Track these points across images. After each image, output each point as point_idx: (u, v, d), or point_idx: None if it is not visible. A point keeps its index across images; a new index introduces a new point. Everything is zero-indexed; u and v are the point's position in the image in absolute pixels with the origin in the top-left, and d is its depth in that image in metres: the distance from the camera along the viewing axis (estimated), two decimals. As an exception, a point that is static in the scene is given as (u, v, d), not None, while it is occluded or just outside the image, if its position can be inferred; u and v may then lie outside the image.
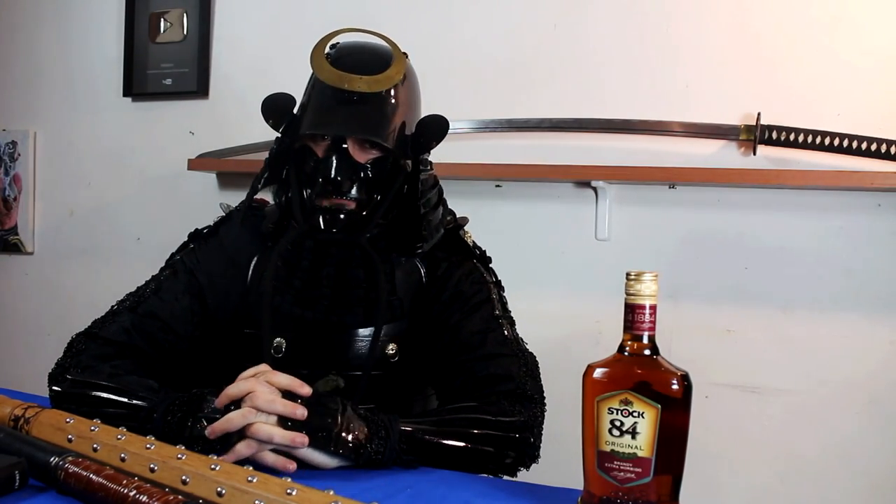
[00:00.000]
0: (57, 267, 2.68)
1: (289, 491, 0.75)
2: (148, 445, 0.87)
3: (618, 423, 0.81)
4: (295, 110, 1.26)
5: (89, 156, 2.63)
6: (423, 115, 1.29)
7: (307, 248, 1.22)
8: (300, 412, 0.95)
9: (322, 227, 1.20)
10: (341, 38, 1.28)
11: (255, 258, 1.29)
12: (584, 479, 0.85)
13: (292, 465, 0.95)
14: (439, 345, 1.24)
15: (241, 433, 0.95)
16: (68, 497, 0.83)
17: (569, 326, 1.99)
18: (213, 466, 0.81)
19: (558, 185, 2.02)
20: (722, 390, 1.86)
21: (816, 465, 1.80)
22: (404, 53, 1.28)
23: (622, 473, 0.81)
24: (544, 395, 1.20)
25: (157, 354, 1.23)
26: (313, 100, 1.23)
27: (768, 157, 1.83)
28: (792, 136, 1.77)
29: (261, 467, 0.84)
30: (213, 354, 1.29)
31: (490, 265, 1.36)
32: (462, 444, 1.05)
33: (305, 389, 0.98)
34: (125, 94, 2.54)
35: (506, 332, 1.24)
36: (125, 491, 0.77)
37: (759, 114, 1.80)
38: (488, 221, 2.08)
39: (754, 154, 1.82)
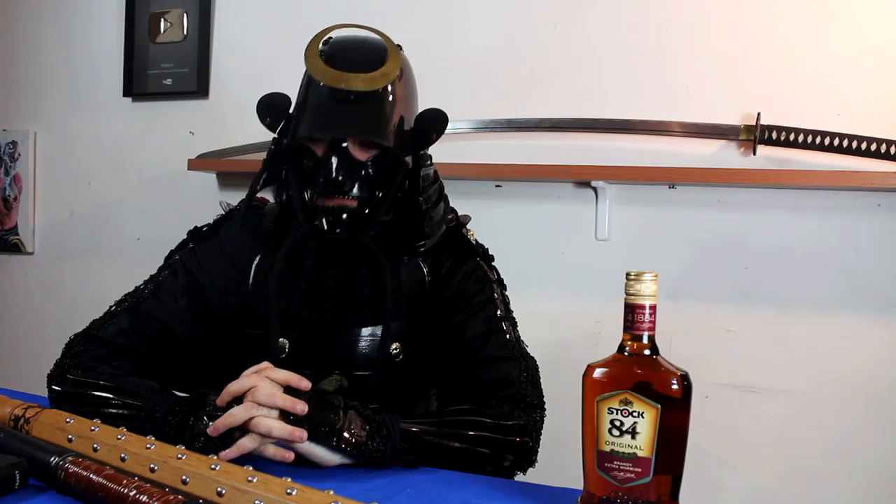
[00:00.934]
0: (57, 267, 2.68)
1: (289, 491, 0.75)
2: (148, 445, 0.87)
3: (618, 423, 0.81)
4: (291, 109, 1.24)
5: (89, 156, 2.63)
6: (420, 109, 1.27)
7: (311, 248, 1.21)
8: (300, 407, 0.95)
9: (325, 227, 1.19)
10: (334, 33, 1.26)
11: (257, 258, 1.28)
12: (584, 479, 0.85)
13: (290, 455, 0.95)
14: (441, 344, 1.23)
15: (244, 428, 0.95)
16: (68, 497, 0.83)
17: (569, 326, 1.99)
18: (213, 466, 0.81)
19: (558, 185, 2.02)
20: (722, 390, 1.86)
21: (816, 465, 1.80)
22: (398, 46, 1.26)
23: (622, 473, 0.81)
24: (544, 399, 1.20)
25: (156, 356, 1.23)
26: (310, 99, 1.20)
27: (768, 157, 1.83)
28: (792, 136, 1.77)
29: (262, 466, 0.84)
30: (215, 355, 1.29)
31: (493, 263, 1.36)
32: (461, 445, 1.05)
33: (305, 384, 0.98)
34: (125, 94, 2.54)
35: (508, 334, 1.23)
36: (125, 491, 0.77)
37: (759, 114, 1.80)
38: (488, 221, 2.08)
39: (754, 154, 1.82)
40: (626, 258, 1.93)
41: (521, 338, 1.27)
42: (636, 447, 0.80)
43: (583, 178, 1.96)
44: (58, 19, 2.67)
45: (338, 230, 1.19)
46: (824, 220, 1.81)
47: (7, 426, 1.01)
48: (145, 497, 0.76)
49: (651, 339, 0.83)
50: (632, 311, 0.83)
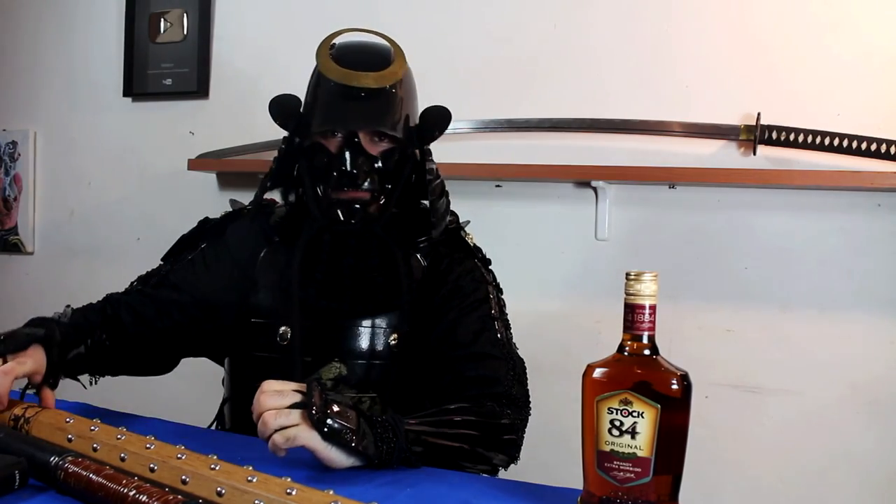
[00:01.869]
0: (57, 267, 2.68)
1: (289, 491, 0.75)
2: (148, 445, 0.87)
3: (617, 423, 0.81)
4: (301, 109, 1.30)
5: (89, 156, 2.63)
6: (420, 109, 1.33)
7: (325, 241, 1.26)
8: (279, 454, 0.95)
9: (341, 219, 1.24)
10: (339, 39, 1.32)
11: (262, 253, 1.34)
12: (584, 479, 0.85)
13: (281, 453, 0.95)
14: (433, 338, 1.27)
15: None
16: (68, 497, 0.83)
17: (568, 326, 1.99)
18: (212, 466, 0.81)
19: (558, 185, 2.02)
20: (722, 390, 1.86)
21: (816, 465, 1.80)
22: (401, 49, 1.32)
23: (622, 473, 0.81)
24: (530, 399, 1.23)
25: (135, 331, 1.30)
26: (321, 98, 1.27)
27: (768, 157, 1.83)
28: (792, 136, 1.77)
29: (262, 466, 0.84)
30: (222, 344, 1.36)
31: (490, 267, 1.39)
32: (457, 444, 1.07)
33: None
34: (125, 94, 2.54)
35: (499, 334, 1.26)
36: (125, 491, 0.78)
37: (759, 114, 1.80)
38: (488, 221, 2.08)
39: (754, 154, 1.82)
40: (626, 258, 1.93)
41: (514, 340, 1.30)
42: (636, 447, 0.80)
43: (583, 178, 1.96)
44: (58, 19, 2.67)
45: (353, 221, 1.24)
46: (824, 220, 1.81)
47: (7, 426, 1.01)
48: (145, 497, 0.76)
49: (651, 339, 0.83)
50: (632, 311, 0.83)
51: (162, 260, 1.43)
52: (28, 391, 1.17)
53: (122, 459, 0.86)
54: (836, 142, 1.73)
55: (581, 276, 2.00)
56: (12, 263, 2.75)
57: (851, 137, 1.72)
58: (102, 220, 2.61)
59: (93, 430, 0.93)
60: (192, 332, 1.34)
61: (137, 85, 2.51)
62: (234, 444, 1.13)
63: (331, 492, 0.76)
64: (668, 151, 1.90)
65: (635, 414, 0.80)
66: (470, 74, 2.11)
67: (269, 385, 0.97)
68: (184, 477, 0.81)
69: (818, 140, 1.75)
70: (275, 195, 1.39)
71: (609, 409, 0.81)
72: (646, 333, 0.83)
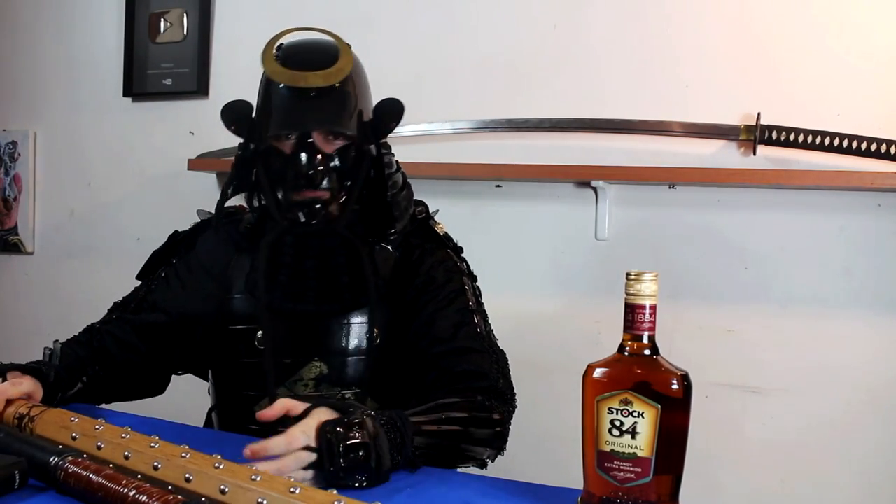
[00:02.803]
0: (57, 267, 2.68)
1: (292, 489, 0.75)
2: (152, 444, 0.87)
3: (618, 423, 0.81)
4: (253, 114, 1.30)
5: (89, 156, 2.62)
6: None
7: (288, 243, 1.27)
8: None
9: (301, 220, 1.24)
10: (283, 40, 1.32)
11: (232, 261, 1.35)
12: (584, 479, 0.85)
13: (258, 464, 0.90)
14: (411, 332, 1.27)
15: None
16: (68, 497, 0.83)
17: (568, 326, 1.99)
18: (216, 465, 0.81)
19: (558, 185, 2.02)
20: (722, 390, 1.86)
21: (816, 465, 1.80)
22: (347, 44, 1.30)
23: (622, 473, 0.81)
24: (515, 392, 1.23)
25: (122, 359, 1.32)
26: (272, 101, 1.26)
27: (768, 157, 1.82)
28: (792, 136, 1.77)
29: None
30: (205, 355, 1.37)
31: (462, 255, 1.40)
32: (453, 437, 1.08)
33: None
34: (125, 94, 2.53)
35: (479, 327, 1.27)
36: (125, 491, 0.77)
37: (759, 114, 1.80)
38: (488, 221, 2.08)
39: (754, 154, 1.82)
40: (626, 258, 1.93)
41: (507, 337, 1.30)
42: (636, 447, 0.80)
43: (583, 178, 1.95)
44: (58, 19, 2.67)
45: (314, 221, 1.24)
46: (824, 220, 1.81)
47: (10, 425, 1.01)
48: (145, 497, 0.76)
49: (651, 339, 0.83)
50: (632, 311, 0.83)
51: (137, 278, 1.44)
52: None
53: (126, 457, 0.86)
54: (836, 142, 1.73)
55: (581, 276, 2.00)
56: (12, 263, 2.74)
57: (851, 137, 1.72)
58: (102, 220, 2.61)
59: (97, 428, 0.93)
60: (175, 349, 1.35)
61: (137, 85, 2.51)
62: (235, 443, 1.13)
63: (333, 491, 0.76)
64: (668, 151, 1.90)
65: (635, 414, 0.80)
66: (470, 74, 2.10)
67: (275, 444, 0.90)
68: (187, 475, 0.81)
69: (818, 140, 1.74)
70: (240, 201, 1.40)
71: (609, 409, 0.81)
72: (646, 333, 0.83)
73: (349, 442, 0.90)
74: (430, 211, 1.42)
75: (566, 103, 2.00)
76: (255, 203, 1.34)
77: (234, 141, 2.29)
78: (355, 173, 1.27)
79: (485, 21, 2.11)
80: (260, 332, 1.27)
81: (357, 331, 1.27)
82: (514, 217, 2.07)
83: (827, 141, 1.74)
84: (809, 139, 1.75)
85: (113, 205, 2.59)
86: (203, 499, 0.78)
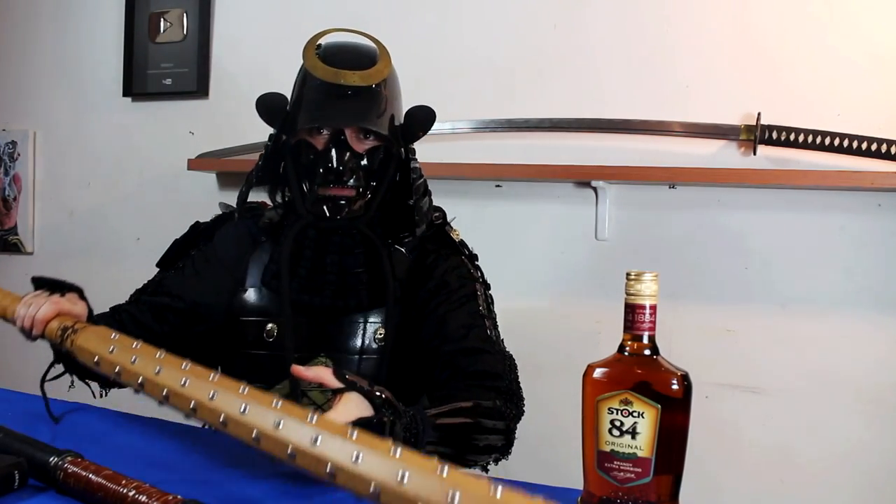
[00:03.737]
0: (57, 267, 2.68)
1: (310, 419, 0.76)
2: (184, 366, 0.90)
3: (618, 423, 0.81)
4: (288, 107, 1.32)
5: (89, 156, 2.62)
6: (405, 108, 1.35)
7: (309, 237, 1.28)
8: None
9: (327, 215, 1.26)
10: (325, 39, 1.33)
11: (251, 253, 1.36)
12: (584, 479, 0.85)
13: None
14: (423, 333, 1.28)
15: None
16: (68, 497, 0.83)
17: (568, 326, 1.99)
18: (242, 390, 0.83)
19: (558, 185, 2.02)
20: (722, 390, 1.86)
21: (816, 465, 1.80)
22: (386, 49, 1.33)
23: (622, 473, 0.81)
24: (523, 397, 1.23)
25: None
26: (307, 96, 1.29)
27: (768, 157, 1.82)
28: (792, 136, 1.77)
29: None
30: (215, 345, 1.37)
31: (476, 262, 1.40)
32: (464, 447, 1.07)
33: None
34: (125, 94, 2.53)
35: (488, 330, 1.27)
36: (124, 491, 0.78)
37: (759, 114, 1.80)
38: (488, 221, 2.08)
39: (754, 154, 1.82)
40: (626, 258, 1.93)
41: (512, 338, 1.31)
42: (636, 447, 0.80)
43: (583, 178, 1.95)
44: (58, 19, 2.67)
45: (338, 217, 1.26)
46: (824, 220, 1.81)
47: (54, 336, 1.11)
48: (144, 497, 0.76)
49: (651, 339, 0.83)
50: (632, 311, 0.83)
51: (157, 265, 1.46)
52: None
53: (157, 373, 0.90)
54: (836, 142, 1.73)
55: (581, 276, 2.00)
56: (12, 263, 2.74)
57: (851, 137, 1.72)
58: (102, 220, 2.61)
59: (135, 346, 0.97)
60: (187, 335, 1.36)
61: (137, 85, 2.51)
62: (235, 442, 1.13)
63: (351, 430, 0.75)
64: (668, 151, 1.90)
65: (635, 414, 0.80)
66: (470, 74, 2.10)
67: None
68: (212, 392, 0.83)
69: (818, 140, 1.74)
70: (263, 198, 1.41)
71: (609, 409, 0.81)
72: (646, 333, 0.83)
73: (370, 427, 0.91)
74: (448, 218, 1.43)
75: (566, 103, 2.00)
76: (279, 198, 1.36)
77: (234, 141, 2.32)
78: (382, 174, 1.29)
79: (485, 21, 2.11)
80: (270, 325, 1.29)
81: (368, 330, 1.28)
82: (514, 217, 2.07)
83: (827, 141, 1.74)
84: (810, 139, 1.75)
85: (113, 205, 2.59)
86: (223, 417, 0.79)
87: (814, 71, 1.80)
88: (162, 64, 2.48)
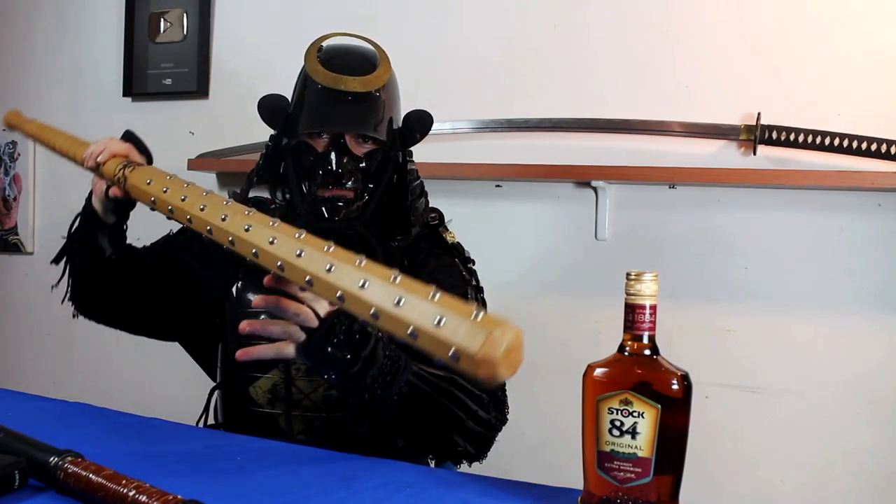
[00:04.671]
0: (57, 267, 2.67)
1: (394, 278, 0.84)
2: (226, 202, 0.99)
3: (618, 423, 0.81)
4: (289, 110, 1.35)
5: (89, 156, 2.62)
6: (408, 111, 1.37)
7: None
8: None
9: (325, 215, 1.29)
10: (326, 42, 1.35)
11: None
12: (584, 479, 0.85)
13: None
14: None
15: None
16: (68, 497, 0.83)
17: (568, 326, 1.99)
18: (297, 235, 0.91)
19: (558, 185, 2.02)
20: (722, 390, 1.86)
21: (816, 466, 1.80)
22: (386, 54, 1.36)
23: (622, 473, 0.81)
24: (508, 408, 1.24)
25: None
26: (308, 99, 1.31)
27: (768, 157, 1.82)
28: (792, 136, 1.77)
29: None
30: (210, 328, 1.41)
31: (470, 266, 1.40)
32: (443, 413, 1.08)
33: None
34: (125, 94, 2.53)
35: None
36: (124, 491, 0.77)
37: (759, 114, 1.80)
38: (488, 221, 2.08)
39: (754, 154, 1.82)
40: (626, 258, 1.93)
41: None
42: (636, 447, 0.80)
43: (583, 178, 1.96)
44: (58, 19, 2.67)
45: (336, 218, 1.29)
46: (824, 220, 1.81)
47: (112, 175, 1.26)
48: (144, 497, 0.76)
49: (651, 339, 0.83)
50: (632, 311, 0.83)
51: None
52: None
53: (203, 209, 0.99)
54: (836, 142, 1.73)
55: (581, 276, 2.00)
56: (12, 263, 2.74)
57: (851, 137, 1.72)
58: (102, 220, 2.60)
59: (186, 185, 1.06)
60: (185, 289, 1.40)
61: (137, 85, 2.51)
62: (236, 442, 1.13)
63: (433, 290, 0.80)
64: (668, 151, 1.90)
65: (636, 414, 0.80)
66: (470, 74, 2.11)
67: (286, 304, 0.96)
68: (246, 225, 0.93)
69: (818, 140, 1.74)
70: (261, 192, 1.42)
71: (609, 409, 0.81)
72: (646, 333, 0.83)
73: (354, 332, 0.96)
74: (446, 220, 1.44)
75: (566, 103, 2.00)
76: (279, 196, 1.39)
77: (234, 141, 2.32)
78: (380, 177, 1.32)
79: (485, 21, 2.11)
80: (262, 317, 1.30)
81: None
82: (514, 217, 2.07)
83: (827, 141, 1.74)
84: (809, 139, 1.75)
85: (113, 205, 2.59)
86: None
87: (814, 71, 1.80)
88: (162, 64, 2.48)
